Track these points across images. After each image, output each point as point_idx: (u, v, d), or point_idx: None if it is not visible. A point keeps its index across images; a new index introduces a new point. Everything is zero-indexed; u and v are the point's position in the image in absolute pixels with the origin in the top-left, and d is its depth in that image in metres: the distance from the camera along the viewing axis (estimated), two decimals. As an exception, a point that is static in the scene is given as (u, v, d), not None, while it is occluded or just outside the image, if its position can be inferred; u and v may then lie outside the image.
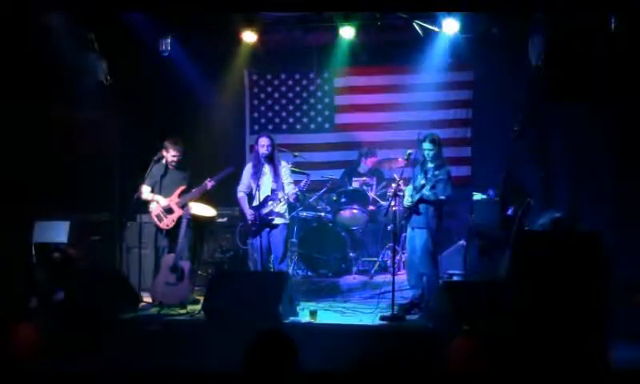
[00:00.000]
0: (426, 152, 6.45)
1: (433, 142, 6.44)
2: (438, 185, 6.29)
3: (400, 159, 7.53)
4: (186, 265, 6.80)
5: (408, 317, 6.27)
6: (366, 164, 8.65)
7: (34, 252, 7.52)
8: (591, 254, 5.39)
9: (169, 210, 7.05)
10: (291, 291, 6.26)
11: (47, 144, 8.17)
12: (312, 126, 9.55)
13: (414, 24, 8.24)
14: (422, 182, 6.43)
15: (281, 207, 6.85)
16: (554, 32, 7.63)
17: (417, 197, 6.38)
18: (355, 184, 8.37)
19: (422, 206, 6.40)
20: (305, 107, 9.55)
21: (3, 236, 7.36)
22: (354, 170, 8.67)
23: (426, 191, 6.29)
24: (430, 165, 6.47)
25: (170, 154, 7.11)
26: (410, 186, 6.60)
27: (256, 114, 9.65)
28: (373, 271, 8.01)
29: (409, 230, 6.57)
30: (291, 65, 9.51)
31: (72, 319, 6.02)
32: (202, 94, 8.94)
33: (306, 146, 9.25)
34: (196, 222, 7.35)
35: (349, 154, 9.12)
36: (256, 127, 9.57)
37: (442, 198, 6.37)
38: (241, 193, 6.99)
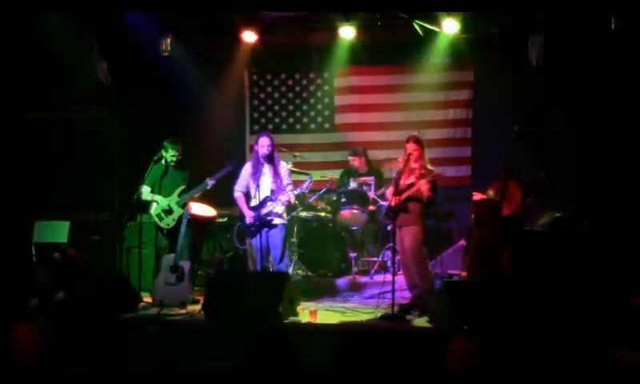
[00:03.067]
0: (410, 153, 6.45)
1: (417, 142, 6.45)
2: (432, 182, 6.31)
3: (400, 159, 7.52)
4: (186, 265, 6.79)
5: (408, 317, 6.27)
6: (354, 163, 8.63)
7: (34, 252, 7.53)
8: (591, 253, 5.40)
9: (169, 210, 7.06)
10: (291, 291, 6.26)
11: (47, 144, 8.18)
12: (312, 126, 9.55)
13: (414, 24, 8.24)
14: (409, 181, 6.42)
15: (279, 207, 6.84)
16: (554, 32, 7.64)
17: (406, 195, 6.36)
18: (355, 184, 8.37)
19: (409, 205, 6.39)
20: (305, 107, 9.54)
21: (3, 236, 7.37)
22: (354, 169, 8.66)
23: (421, 187, 6.28)
24: (415, 165, 6.46)
25: (170, 154, 7.11)
26: (391, 188, 6.55)
27: (256, 114, 9.64)
28: (373, 271, 8.01)
29: (397, 230, 6.54)
30: (291, 65, 9.51)
31: (72, 319, 6.02)
32: (202, 94, 8.94)
33: (306, 145, 9.24)
34: (196, 221, 7.35)
35: (348, 154, 9.11)
36: (256, 127, 9.56)
37: (432, 194, 6.38)
38: (238, 192, 6.95)
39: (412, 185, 6.34)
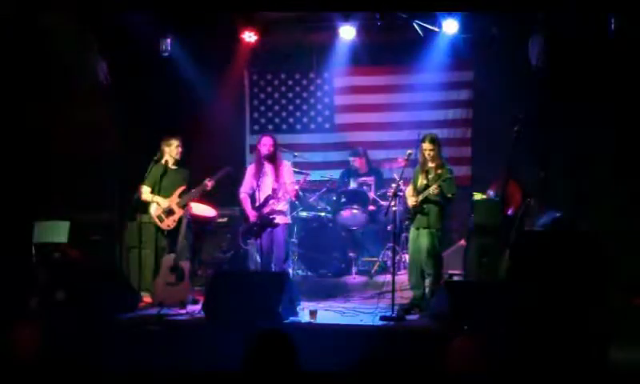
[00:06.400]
0: (426, 152, 6.44)
1: (432, 141, 6.44)
2: (443, 184, 6.30)
3: (400, 159, 7.53)
4: (185, 265, 6.79)
5: (408, 317, 6.27)
6: (354, 163, 8.64)
7: (34, 252, 7.52)
8: (591, 253, 5.40)
9: (170, 211, 7.05)
10: (291, 291, 6.26)
11: (47, 144, 8.17)
12: (312, 126, 9.54)
13: (414, 24, 8.24)
14: (425, 182, 6.43)
15: (282, 206, 6.85)
16: (554, 32, 7.64)
17: (422, 197, 6.37)
18: (355, 184, 8.37)
19: (427, 206, 6.40)
20: (305, 107, 9.54)
21: (3, 236, 7.36)
22: (354, 169, 8.66)
23: (432, 190, 6.28)
24: (431, 165, 6.47)
25: (169, 154, 7.11)
26: (410, 187, 6.59)
27: (256, 114, 9.64)
28: (373, 271, 8.01)
29: (412, 230, 6.55)
30: (291, 65, 9.51)
31: (72, 319, 6.02)
32: (202, 94, 8.94)
33: (306, 145, 9.24)
34: (196, 222, 7.35)
35: (348, 154, 9.12)
36: (256, 127, 9.56)
37: (449, 196, 6.37)
38: (243, 194, 7.02)
39: (428, 186, 6.34)
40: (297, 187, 6.85)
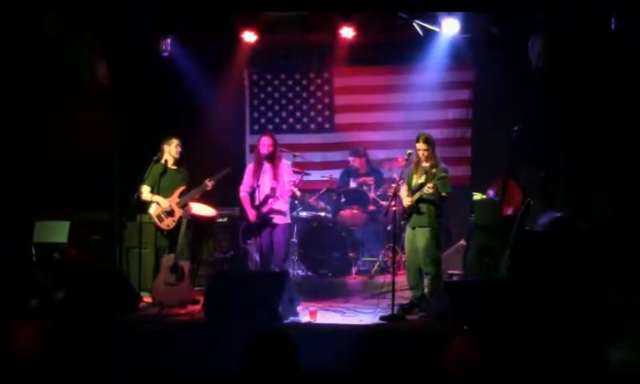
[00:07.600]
0: (420, 152, 6.44)
1: (426, 141, 6.43)
2: (438, 182, 6.29)
3: (400, 159, 7.54)
4: (185, 265, 6.79)
5: (408, 317, 6.26)
6: (354, 163, 8.64)
7: (34, 252, 7.53)
8: (591, 253, 5.40)
9: (170, 211, 7.05)
10: (291, 291, 6.26)
11: (47, 144, 8.17)
12: (312, 126, 9.56)
13: (414, 24, 8.25)
14: (420, 181, 6.42)
15: (282, 206, 6.84)
16: (554, 32, 7.64)
17: (417, 196, 6.36)
18: (355, 184, 8.37)
19: (422, 206, 6.39)
20: (305, 107, 9.55)
21: (3, 236, 7.36)
22: (354, 169, 8.66)
23: (426, 189, 6.27)
24: (425, 164, 6.46)
25: (169, 153, 7.11)
26: (404, 187, 6.57)
27: (256, 114, 9.65)
28: (373, 271, 8.01)
29: (408, 229, 6.55)
30: (291, 65, 9.52)
31: (72, 319, 6.02)
32: (202, 93, 8.95)
33: (306, 146, 9.25)
34: (196, 222, 7.36)
35: (349, 154, 9.12)
36: (256, 127, 9.57)
37: (444, 194, 6.36)
38: (243, 192, 7.02)
39: (422, 185, 6.34)
40: (293, 187, 6.84)
